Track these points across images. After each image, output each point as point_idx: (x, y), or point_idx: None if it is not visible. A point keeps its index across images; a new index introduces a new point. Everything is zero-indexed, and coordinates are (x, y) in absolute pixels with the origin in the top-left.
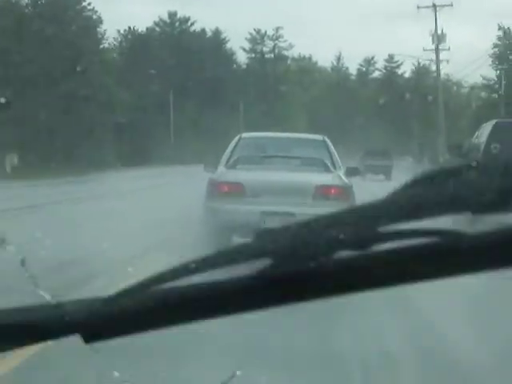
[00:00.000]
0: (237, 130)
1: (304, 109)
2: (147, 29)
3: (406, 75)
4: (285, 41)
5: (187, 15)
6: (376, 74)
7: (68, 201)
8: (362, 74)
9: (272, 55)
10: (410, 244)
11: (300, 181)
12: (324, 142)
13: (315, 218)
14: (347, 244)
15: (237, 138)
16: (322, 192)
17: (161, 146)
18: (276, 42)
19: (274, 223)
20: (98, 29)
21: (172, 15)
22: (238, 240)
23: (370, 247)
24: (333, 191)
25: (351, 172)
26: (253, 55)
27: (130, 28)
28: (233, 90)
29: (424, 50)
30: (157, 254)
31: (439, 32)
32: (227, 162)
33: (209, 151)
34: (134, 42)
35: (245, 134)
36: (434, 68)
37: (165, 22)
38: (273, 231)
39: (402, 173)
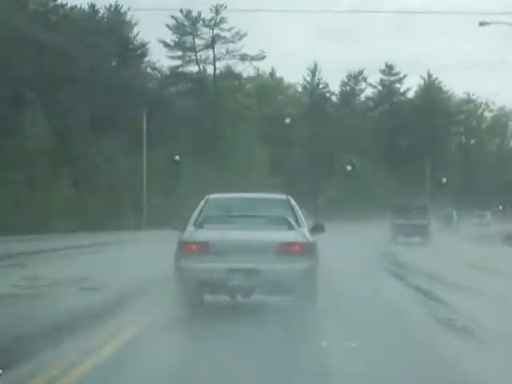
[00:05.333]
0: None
1: (263, 146)
2: None
3: (410, 94)
4: (230, 28)
5: None
6: (368, 91)
7: None
8: (347, 94)
9: (211, 53)
10: None
11: (264, 239)
12: (288, 201)
13: None
14: None
15: (205, 199)
16: (286, 249)
17: None
18: (215, 29)
19: (238, 280)
20: None
21: None
22: (208, 297)
23: None
24: (296, 248)
25: (317, 229)
26: (179, 53)
27: None
28: (138, 108)
29: None
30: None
31: None
32: (195, 222)
33: None
34: None
35: (212, 195)
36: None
37: None
38: None
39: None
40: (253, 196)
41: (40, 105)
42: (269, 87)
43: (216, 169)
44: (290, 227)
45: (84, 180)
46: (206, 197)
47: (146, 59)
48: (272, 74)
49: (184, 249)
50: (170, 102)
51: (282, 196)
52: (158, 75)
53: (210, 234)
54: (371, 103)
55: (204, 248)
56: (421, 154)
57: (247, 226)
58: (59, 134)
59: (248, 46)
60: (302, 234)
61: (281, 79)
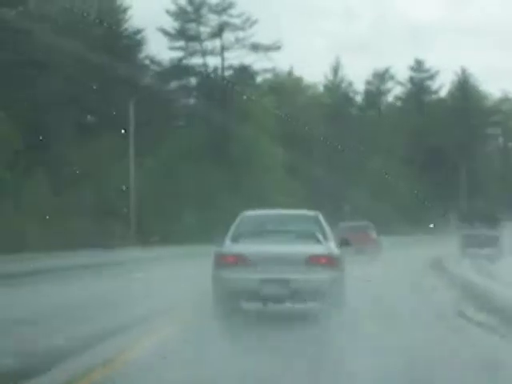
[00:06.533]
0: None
1: (279, 149)
2: None
3: (443, 93)
4: (240, 14)
5: None
6: (397, 90)
7: None
8: (372, 95)
9: (218, 42)
10: None
11: (294, 252)
12: (316, 217)
13: None
14: None
15: (241, 216)
16: (314, 261)
17: None
18: (223, 15)
19: (271, 289)
20: None
21: None
22: (245, 304)
23: None
24: (323, 260)
25: (343, 243)
26: (182, 43)
27: None
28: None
29: None
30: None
31: None
32: (232, 236)
33: None
34: None
35: (247, 212)
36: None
37: None
38: None
39: None
40: (284, 212)
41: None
42: (286, 86)
43: (223, 175)
44: (318, 241)
45: (64, 187)
46: (242, 213)
47: (143, 49)
48: (290, 72)
49: (222, 260)
50: (169, 98)
51: (311, 212)
52: (157, 68)
53: (245, 247)
54: (399, 103)
55: (240, 260)
56: (455, 158)
57: (279, 240)
58: (33, 133)
59: (261, 37)
60: (328, 247)
61: (299, 78)
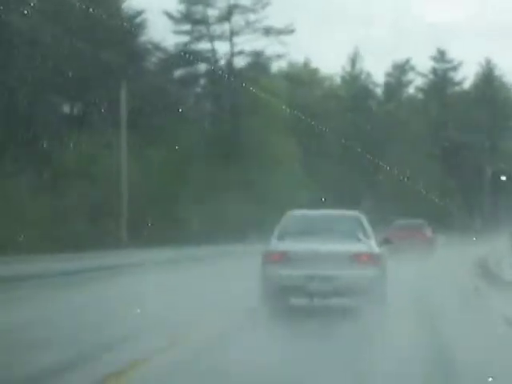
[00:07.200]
0: None
1: (292, 144)
2: None
3: (466, 85)
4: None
5: None
6: (418, 82)
7: None
8: (392, 88)
9: (226, 26)
10: None
11: (338, 249)
12: (358, 217)
13: None
14: None
15: (287, 215)
16: (356, 258)
17: None
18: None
19: (316, 285)
20: None
21: None
22: (294, 300)
23: None
24: (365, 257)
25: (384, 242)
26: (187, 27)
27: None
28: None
29: None
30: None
31: None
32: (278, 234)
33: None
34: None
35: (294, 212)
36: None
37: None
38: None
39: None
40: (327, 212)
41: None
42: (302, 77)
43: (233, 169)
44: (360, 240)
45: (53, 183)
46: (288, 213)
47: (143, 33)
48: (306, 63)
49: (269, 258)
50: (173, 87)
51: (354, 213)
52: (161, 55)
53: (291, 245)
54: (421, 94)
55: (286, 257)
56: (479, 153)
57: (323, 239)
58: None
59: (273, 21)
60: (369, 245)
61: (315, 70)
